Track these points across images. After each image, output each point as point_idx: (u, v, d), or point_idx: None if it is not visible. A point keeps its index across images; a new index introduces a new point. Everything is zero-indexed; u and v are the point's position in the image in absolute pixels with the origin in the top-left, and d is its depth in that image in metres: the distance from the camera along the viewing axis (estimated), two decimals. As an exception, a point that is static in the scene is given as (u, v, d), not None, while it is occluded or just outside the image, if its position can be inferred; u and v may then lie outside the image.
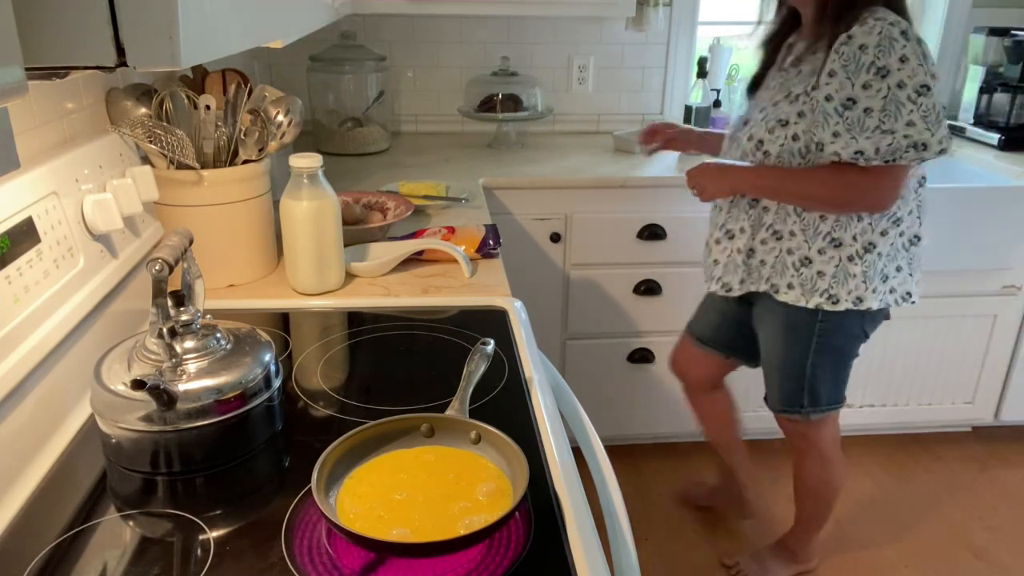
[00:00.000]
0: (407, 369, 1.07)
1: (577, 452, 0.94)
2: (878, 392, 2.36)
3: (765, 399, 1.72)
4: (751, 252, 1.54)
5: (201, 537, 0.72)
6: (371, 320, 1.18)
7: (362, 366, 1.07)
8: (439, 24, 2.40)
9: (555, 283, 2.11)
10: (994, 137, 2.43)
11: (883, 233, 1.45)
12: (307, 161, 1.17)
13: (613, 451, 1.09)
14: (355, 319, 1.20)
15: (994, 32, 2.46)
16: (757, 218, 1.51)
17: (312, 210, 1.19)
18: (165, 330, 0.81)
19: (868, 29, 1.29)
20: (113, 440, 0.81)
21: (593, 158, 2.22)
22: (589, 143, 2.40)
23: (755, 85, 1.58)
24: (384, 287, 1.29)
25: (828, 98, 1.34)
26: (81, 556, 0.70)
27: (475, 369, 0.94)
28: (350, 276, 1.32)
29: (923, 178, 1.49)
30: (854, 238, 1.44)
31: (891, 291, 1.51)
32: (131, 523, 0.75)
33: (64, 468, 0.83)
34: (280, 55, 2.32)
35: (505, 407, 0.96)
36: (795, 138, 1.40)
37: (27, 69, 0.44)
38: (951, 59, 2.65)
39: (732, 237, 1.55)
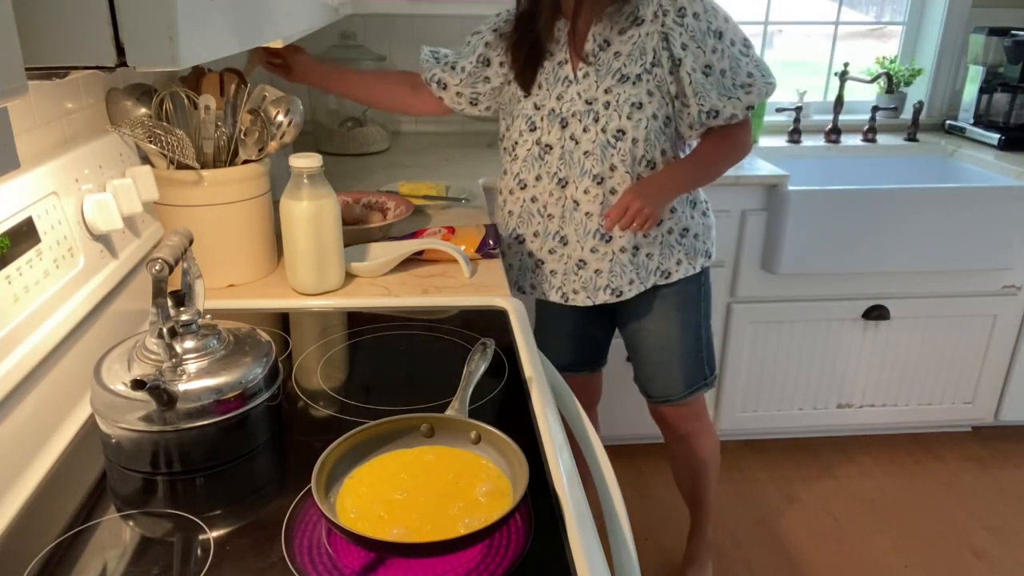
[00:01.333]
0: (407, 369, 1.07)
1: (577, 452, 0.94)
2: (878, 392, 2.36)
3: (650, 395, 1.69)
4: (636, 250, 1.47)
5: (201, 537, 0.72)
6: (371, 320, 1.18)
7: (362, 366, 1.07)
8: (439, 24, 2.40)
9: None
10: (994, 137, 2.43)
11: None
12: (307, 161, 1.17)
13: (613, 451, 1.09)
14: (355, 319, 1.20)
15: (994, 32, 2.46)
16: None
17: (312, 210, 1.19)
18: (165, 330, 0.81)
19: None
20: (113, 440, 0.81)
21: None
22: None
23: (531, 79, 1.45)
24: (384, 287, 1.29)
25: (693, 69, 1.36)
26: (81, 556, 0.70)
27: (475, 369, 0.94)
28: (350, 276, 1.32)
29: None
30: (697, 192, 1.53)
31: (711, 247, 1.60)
32: (131, 523, 0.75)
33: (64, 468, 0.83)
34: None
35: (505, 407, 0.96)
36: (654, 117, 1.38)
37: (27, 69, 0.44)
38: (951, 59, 2.65)
39: (609, 240, 1.46)
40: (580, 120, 1.40)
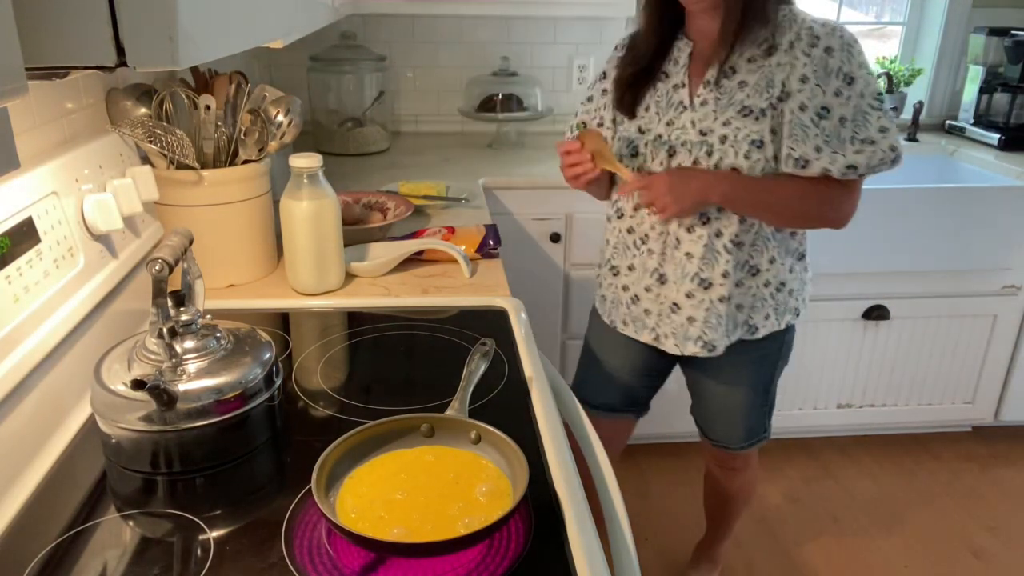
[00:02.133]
0: (407, 369, 1.07)
1: (577, 452, 0.94)
2: (878, 392, 2.36)
3: (706, 436, 1.61)
4: (729, 299, 1.33)
5: (201, 537, 0.72)
6: (371, 320, 1.18)
7: (362, 366, 1.07)
8: (439, 24, 2.40)
9: (555, 283, 2.11)
10: (994, 137, 2.43)
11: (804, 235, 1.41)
12: (307, 161, 1.17)
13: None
14: (355, 319, 1.20)
15: (994, 32, 2.46)
16: (738, 259, 1.31)
17: (312, 210, 1.19)
18: (165, 330, 0.81)
19: (828, 31, 1.21)
20: (113, 440, 0.81)
21: (593, 158, 2.22)
22: (589, 143, 2.40)
23: (633, 100, 1.33)
24: (384, 287, 1.29)
25: (802, 107, 1.20)
26: (81, 556, 0.70)
27: (475, 369, 0.94)
28: (350, 276, 1.32)
29: None
30: (802, 244, 1.38)
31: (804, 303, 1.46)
32: (131, 523, 0.75)
33: (64, 468, 0.83)
34: (280, 55, 2.32)
35: (505, 407, 0.96)
36: (776, 159, 1.23)
37: (27, 69, 0.44)
38: (951, 59, 2.65)
39: (709, 287, 1.32)
40: (690, 151, 1.26)
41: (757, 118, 1.23)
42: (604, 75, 1.41)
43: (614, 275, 1.45)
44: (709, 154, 1.25)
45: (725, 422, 1.55)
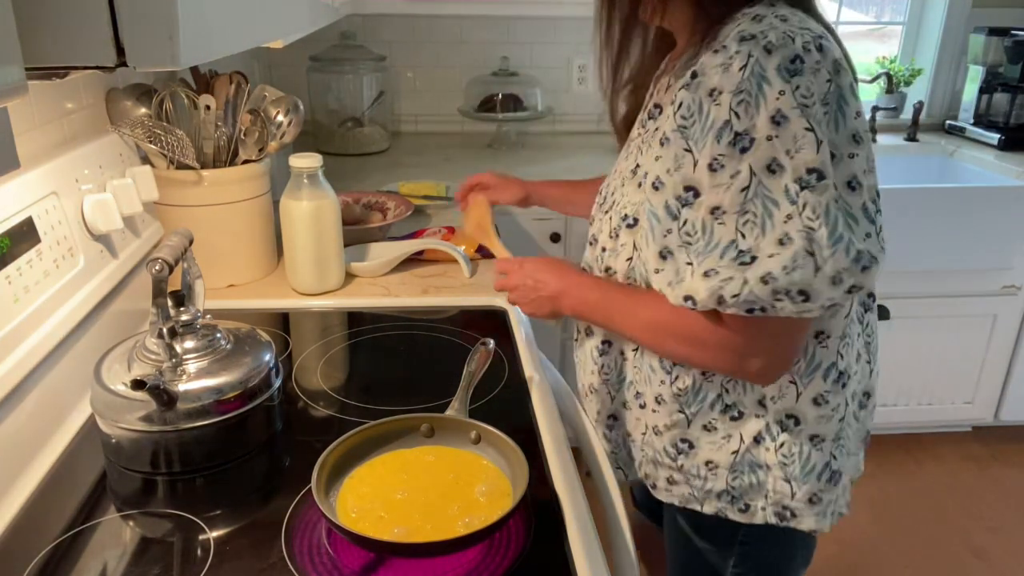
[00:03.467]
0: (407, 369, 1.07)
1: (577, 452, 0.94)
2: (878, 392, 2.36)
3: None
4: (613, 421, 0.99)
5: (201, 537, 0.72)
6: (371, 320, 1.18)
7: (362, 366, 1.07)
8: (439, 24, 2.40)
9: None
10: (994, 137, 2.43)
11: (816, 400, 0.85)
12: (307, 161, 1.17)
13: (613, 451, 1.09)
14: (355, 319, 1.20)
15: (994, 32, 2.46)
16: (609, 370, 0.96)
17: (312, 210, 1.19)
18: (165, 330, 0.81)
19: (727, 58, 0.73)
20: (113, 440, 0.81)
21: (593, 158, 2.22)
22: (589, 143, 2.40)
23: (627, 127, 0.99)
24: (384, 287, 1.29)
25: (655, 185, 0.80)
26: (81, 556, 0.70)
27: (475, 369, 0.94)
28: (350, 276, 1.32)
29: (870, 296, 0.91)
30: (759, 403, 0.86)
31: (844, 491, 0.92)
32: (131, 523, 0.75)
33: (64, 468, 0.83)
34: (280, 55, 2.32)
35: (505, 407, 0.96)
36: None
37: (27, 69, 0.44)
38: (951, 59, 2.65)
39: (591, 392, 1.01)
40: (612, 194, 0.93)
41: (640, 183, 0.84)
42: None
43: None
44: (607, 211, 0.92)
45: None
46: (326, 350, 1.09)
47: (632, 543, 0.90)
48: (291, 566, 0.68)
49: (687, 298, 0.78)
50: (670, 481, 0.93)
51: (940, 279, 2.21)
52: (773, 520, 0.88)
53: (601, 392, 0.97)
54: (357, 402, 0.96)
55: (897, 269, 2.18)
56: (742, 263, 0.73)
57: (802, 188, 0.70)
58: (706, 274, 0.75)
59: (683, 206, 0.77)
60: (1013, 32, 2.43)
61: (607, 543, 0.80)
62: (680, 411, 0.88)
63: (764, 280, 0.72)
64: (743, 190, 0.72)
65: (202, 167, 1.18)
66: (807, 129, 0.70)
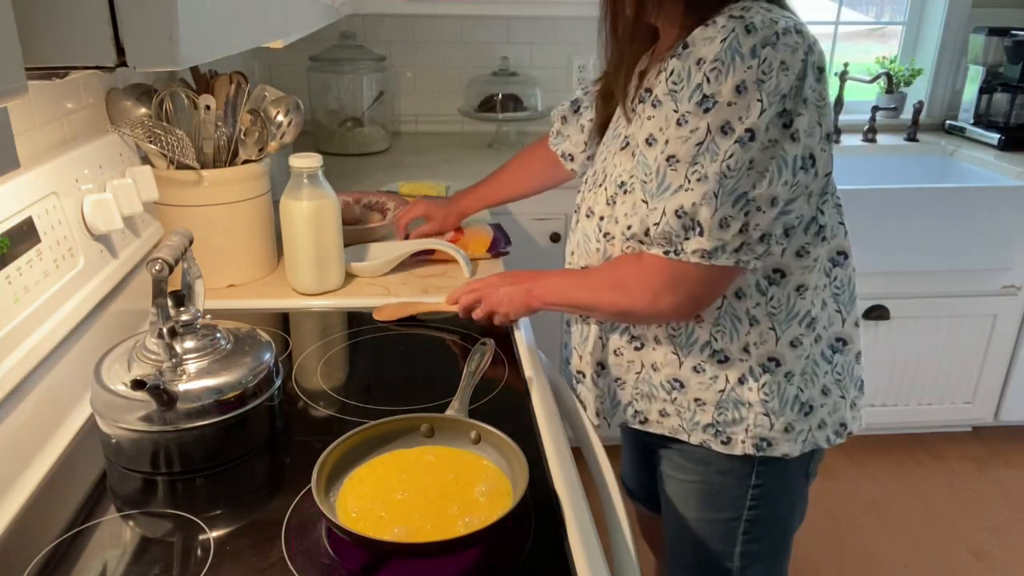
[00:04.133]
0: (407, 369, 1.07)
1: (577, 452, 0.94)
2: (878, 392, 2.36)
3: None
4: (603, 369, 1.06)
5: (201, 537, 0.72)
6: (371, 320, 1.18)
7: (362, 366, 1.07)
8: (439, 24, 2.40)
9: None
10: (994, 137, 2.43)
11: (792, 343, 0.96)
12: (307, 161, 1.17)
13: (613, 451, 1.09)
14: (355, 319, 1.19)
15: (994, 32, 2.46)
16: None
17: (312, 210, 1.19)
18: (165, 330, 0.81)
19: (715, 31, 0.82)
20: (113, 440, 0.81)
21: (593, 158, 2.22)
22: (589, 143, 2.40)
23: (601, 130, 1.07)
24: (384, 287, 1.29)
25: (648, 142, 0.88)
26: (81, 556, 0.70)
27: (475, 369, 0.94)
28: (350, 276, 1.32)
29: (840, 253, 0.98)
30: (744, 349, 0.96)
31: (819, 426, 1.01)
32: (131, 523, 0.75)
33: (64, 468, 0.83)
34: (280, 55, 2.32)
35: (505, 407, 0.96)
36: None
37: (27, 69, 0.44)
38: (951, 59, 2.65)
39: (585, 339, 1.08)
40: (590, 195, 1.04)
41: (633, 152, 0.92)
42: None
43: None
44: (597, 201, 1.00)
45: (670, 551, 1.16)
46: (326, 350, 1.09)
47: (632, 543, 0.90)
48: (291, 566, 0.68)
49: (628, 227, 0.91)
50: (662, 413, 1.03)
51: (940, 279, 2.21)
52: (751, 451, 0.99)
53: (592, 338, 1.05)
54: (357, 402, 0.96)
55: (897, 269, 2.18)
56: (666, 191, 0.86)
57: (734, 142, 0.82)
58: (658, 203, 0.87)
59: (668, 161, 0.86)
60: (1013, 32, 2.43)
61: (607, 543, 0.80)
62: (674, 352, 0.99)
63: (677, 213, 0.85)
64: (698, 144, 0.83)
65: (202, 167, 1.18)
66: (758, 100, 0.81)
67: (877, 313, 2.23)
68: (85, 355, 0.93)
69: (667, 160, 0.85)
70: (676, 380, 0.99)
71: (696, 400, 0.99)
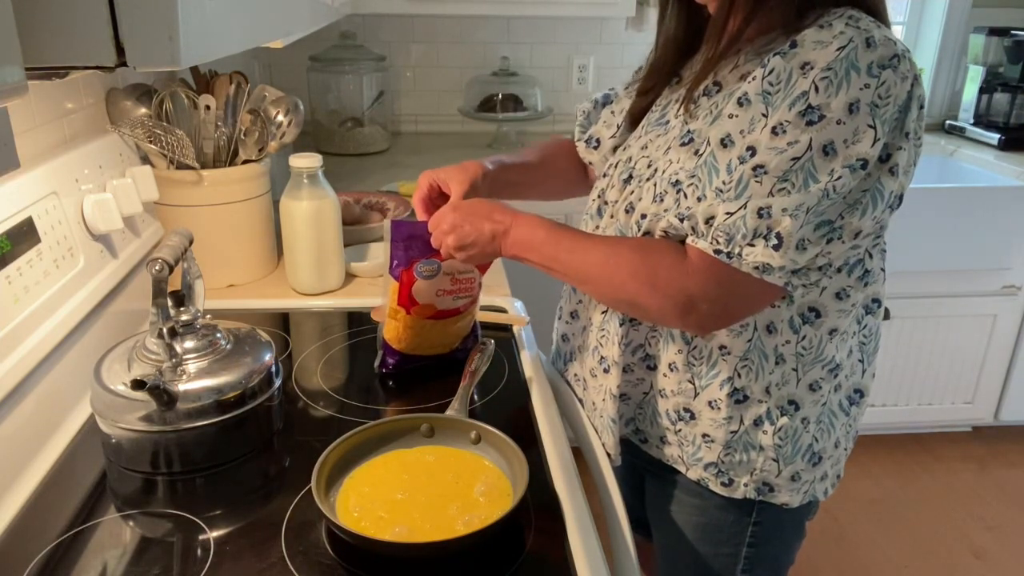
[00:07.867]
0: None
1: (577, 452, 0.94)
2: (878, 392, 2.36)
3: None
4: (620, 396, 0.96)
5: (201, 537, 0.72)
6: (371, 320, 1.18)
7: (362, 366, 1.07)
8: (439, 24, 2.40)
9: (555, 283, 2.10)
10: (994, 137, 2.43)
11: (812, 387, 0.89)
12: (307, 161, 1.17)
13: (613, 451, 1.09)
14: (355, 319, 1.19)
15: (994, 32, 2.46)
16: (631, 340, 0.93)
17: (312, 210, 1.19)
18: (165, 330, 0.81)
19: (830, 36, 0.75)
20: (113, 440, 0.81)
21: (593, 158, 2.22)
22: (589, 143, 2.40)
23: (637, 118, 1.01)
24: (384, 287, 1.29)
25: (724, 143, 0.80)
26: (81, 556, 0.70)
27: (475, 369, 0.94)
28: (350, 276, 1.32)
29: (874, 301, 0.92)
30: (766, 390, 0.88)
31: (822, 478, 0.95)
32: (131, 523, 0.75)
33: (64, 468, 0.83)
34: (280, 55, 2.32)
35: (505, 407, 0.96)
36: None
37: (27, 69, 0.44)
38: (951, 59, 2.65)
39: (607, 371, 0.95)
40: (626, 184, 0.95)
41: (698, 150, 0.83)
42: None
43: (557, 317, 1.09)
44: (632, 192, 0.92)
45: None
46: (326, 350, 1.09)
47: (632, 543, 0.90)
48: (291, 566, 0.68)
49: (683, 218, 0.81)
50: (662, 440, 0.96)
51: (940, 279, 2.21)
52: (752, 495, 0.92)
53: (615, 366, 0.95)
54: (357, 402, 0.96)
55: (897, 269, 2.17)
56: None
57: (844, 166, 0.74)
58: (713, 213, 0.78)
59: (741, 163, 0.77)
60: (1013, 32, 2.43)
61: (607, 543, 0.80)
62: (690, 382, 0.90)
63: (760, 212, 0.75)
64: (794, 159, 0.74)
65: (202, 167, 1.18)
66: (870, 126, 0.74)
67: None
68: (85, 355, 0.93)
69: (753, 170, 0.76)
70: (687, 410, 0.91)
71: (704, 436, 0.91)
